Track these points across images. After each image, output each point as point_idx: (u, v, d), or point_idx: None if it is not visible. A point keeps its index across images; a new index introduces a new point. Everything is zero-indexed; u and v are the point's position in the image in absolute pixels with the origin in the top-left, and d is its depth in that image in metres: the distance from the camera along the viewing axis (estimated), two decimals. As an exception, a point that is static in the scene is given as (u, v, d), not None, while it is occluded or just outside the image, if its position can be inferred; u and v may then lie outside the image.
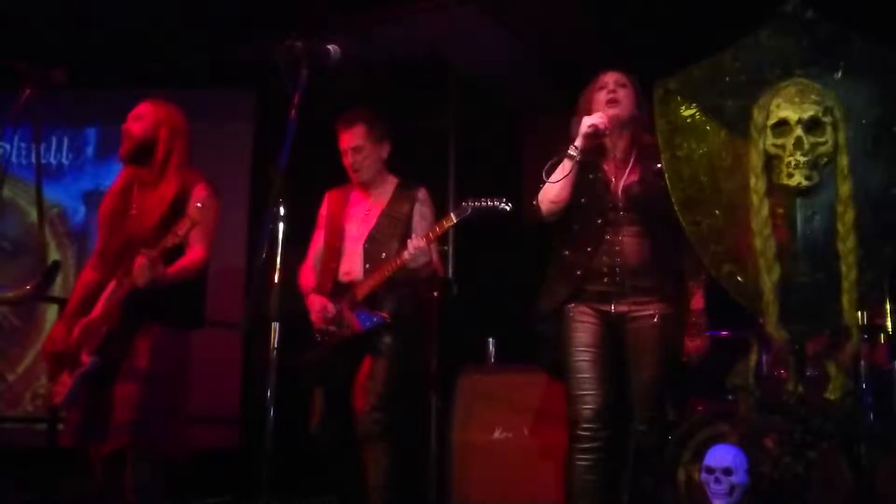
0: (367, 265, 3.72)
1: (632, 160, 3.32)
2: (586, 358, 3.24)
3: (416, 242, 3.52)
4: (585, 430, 3.17)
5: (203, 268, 3.49)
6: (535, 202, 3.31)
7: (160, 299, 3.33)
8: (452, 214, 3.51)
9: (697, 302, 3.35)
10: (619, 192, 3.29)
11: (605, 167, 3.34)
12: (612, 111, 3.28)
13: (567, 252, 3.33)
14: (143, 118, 3.57)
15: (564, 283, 3.32)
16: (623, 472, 3.29)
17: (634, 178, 3.30)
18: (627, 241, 3.26)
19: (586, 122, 3.21)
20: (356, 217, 3.86)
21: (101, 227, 3.62)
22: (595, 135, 3.21)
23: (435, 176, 3.71)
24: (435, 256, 3.74)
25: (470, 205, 3.48)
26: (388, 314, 3.66)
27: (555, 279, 3.38)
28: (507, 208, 3.43)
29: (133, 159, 3.58)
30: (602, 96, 3.33)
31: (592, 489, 3.17)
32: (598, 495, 3.18)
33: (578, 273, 3.28)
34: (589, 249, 3.27)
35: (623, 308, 3.27)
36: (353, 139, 3.84)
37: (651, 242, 3.26)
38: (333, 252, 3.83)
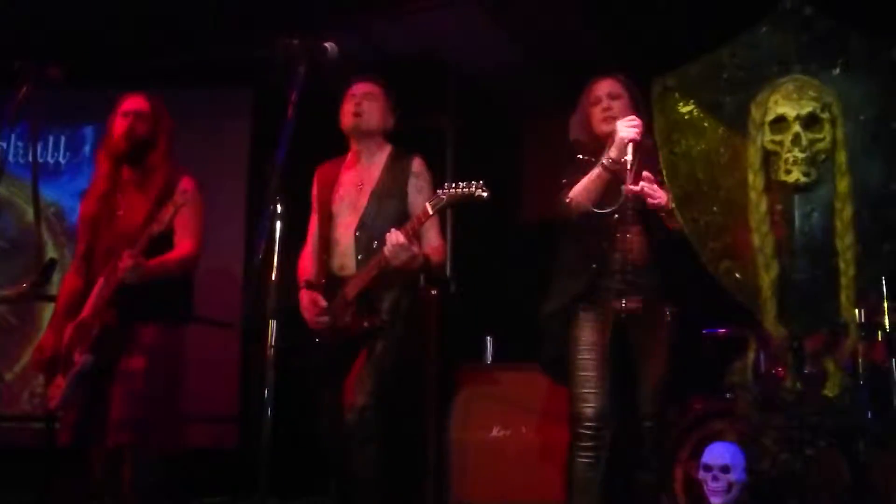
0: (360, 256, 3.55)
1: (636, 162, 3.27)
2: (591, 356, 3.23)
3: (394, 239, 3.36)
4: (587, 428, 3.17)
5: (193, 262, 3.46)
6: (568, 199, 3.27)
7: (152, 297, 3.32)
8: (428, 206, 3.34)
9: None
10: (629, 191, 3.28)
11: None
12: (610, 128, 3.26)
13: (581, 248, 3.32)
14: (146, 118, 3.50)
15: (576, 280, 3.30)
16: (624, 469, 3.28)
17: (639, 178, 3.28)
18: (636, 240, 3.27)
19: (625, 138, 3.15)
20: (346, 199, 3.68)
21: (83, 230, 3.56)
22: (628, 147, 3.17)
23: (433, 176, 3.66)
24: (436, 241, 3.59)
25: (445, 192, 3.30)
26: (383, 314, 3.56)
27: (565, 275, 3.36)
28: (484, 195, 3.24)
29: (127, 159, 3.50)
30: (598, 112, 3.33)
31: (593, 487, 3.17)
32: (599, 493, 3.18)
33: (594, 266, 3.26)
34: (604, 245, 3.27)
35: (633, 305, 3.25)
36: (368, 88, 3.72)
37: (657, 241, 3.26)
38: (324, 242, 3.67)
